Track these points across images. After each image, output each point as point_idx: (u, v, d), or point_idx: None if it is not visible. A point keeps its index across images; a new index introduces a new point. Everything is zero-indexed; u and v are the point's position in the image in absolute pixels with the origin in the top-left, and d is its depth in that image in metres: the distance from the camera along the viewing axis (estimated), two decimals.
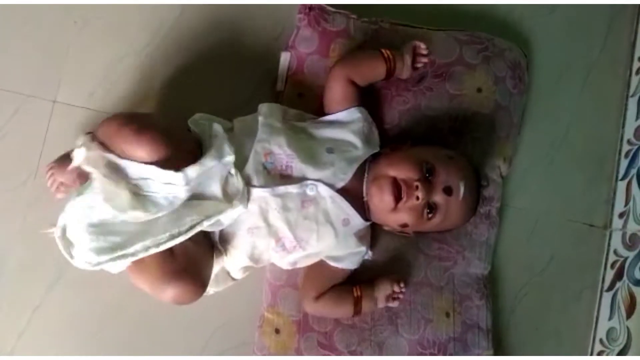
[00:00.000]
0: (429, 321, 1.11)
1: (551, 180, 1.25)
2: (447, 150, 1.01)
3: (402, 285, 1.05)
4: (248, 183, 0.92)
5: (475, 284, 1.15)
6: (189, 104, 1.04)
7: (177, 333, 1.10)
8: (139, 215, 0.85)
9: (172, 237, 0.86)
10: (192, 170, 0.87)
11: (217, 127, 0.95)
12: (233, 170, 0.91)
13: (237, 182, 0.91)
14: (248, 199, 0.91)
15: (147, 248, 0.85)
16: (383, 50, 1.03)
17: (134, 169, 0.86)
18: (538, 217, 1.24)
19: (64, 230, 0.87)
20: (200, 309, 1.06)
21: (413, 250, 1.12)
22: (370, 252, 1.04)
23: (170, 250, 0.87)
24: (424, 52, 1.04)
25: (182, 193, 0.87)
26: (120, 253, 0.84)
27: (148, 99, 1.10)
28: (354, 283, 1.05)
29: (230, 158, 0.91)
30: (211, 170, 0.90)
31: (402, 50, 1.04)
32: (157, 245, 0.85)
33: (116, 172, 0.86)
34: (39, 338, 1.06)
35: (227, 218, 0.91)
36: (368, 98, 1.08)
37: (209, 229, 0.91)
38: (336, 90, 1.02)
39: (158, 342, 1.10)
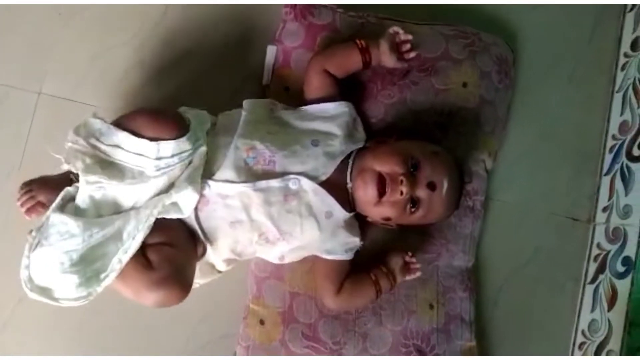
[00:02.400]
0: (412, 312, 1.12)
1: (536, 174, 1.26)
2: (433, 146, 1.02)
3: (410, 254, 1.07)
4: (211, 176, 0.93)
5: (459, 276, 1.16)
6: (175, 97, 1.05)
7: (161, 323, 1.11)
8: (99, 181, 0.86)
9: (131, 236, 0.86)
10: (165, 145, 0.87)
11: (203, 115, 0.95)
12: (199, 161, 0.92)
13: (196, 172, 0.92)
14: (203, 188, 0.92)
15: (119, 260, 0.86)
16: (357, 40, 1.03)
17: (115, 138, 0.87)
18: (522, 211, 1.25)
19: (31, 282, 0.86)
20: (185, 301, 1.07)
21: (397, 242, 1.12)
22: (360, 242, 1.04)
23: (148, 260, 0.88)
24: (403, 37, 1.04)
25: (150, 168, 0.87)
26: (104, 274, 0.85)
27: (134, 91, 1.11)
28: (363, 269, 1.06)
29: (203, 149, 0.92)
30: (183, 155, 0.90)
31: (379, 39, 1.04)
32: (125, 251, 0.86)
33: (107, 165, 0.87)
34: (23, 330, 1.07)
35: (181, 202, 0.90)
36: (354, 91, 1.08)
37: (169, 216, 0.90)
38: (313, 80, 1.03)
39: (142, 333, 1.11)
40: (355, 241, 1.03)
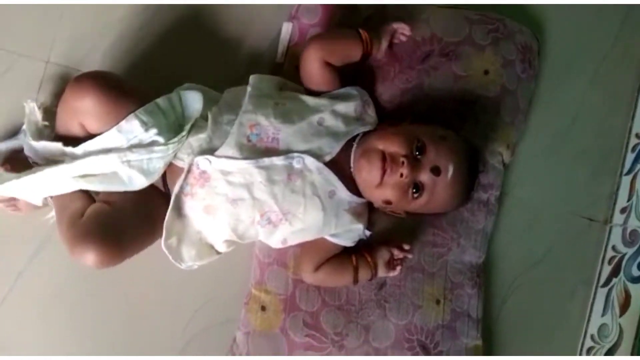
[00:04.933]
0: (418, 307, 1.08)
1: (554, 171, 1.22)
2: (444, 130, 0.97)
3: (406, 247, 1.04)
4: (213, 151, 0.91)
5: (468, 272, 1.12)
6: (184, 72, 1.01)
7: (161, 307, 1.08)
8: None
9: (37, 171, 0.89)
10: (88, 145, 0.88)
11: (161, 101, 0.92)
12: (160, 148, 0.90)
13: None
14: (204, 163, 0.91)
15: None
16: (361, 32, 0.99)
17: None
18: (538, 208, 1.21)
19: None
20: (187, 284, 1.06)
21: (407, 234, 1.09)
22: (367, 232, 1.01)
23: (81, 212, 0.89)
24: (407, 34, 1.03)
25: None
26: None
27: (143, 64, 1.06)
28: (355, 250, 1.03)
29: (146, 135, 0.89)
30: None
31: (380, 33, 1.02)
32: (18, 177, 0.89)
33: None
34: (22, 305, 1.04)
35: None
36: (368, 73, 1.05)
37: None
38: (313, 73, 0.99)
39: (141, 314, 1.07)
40: (359, 228, 0.99)
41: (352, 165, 0.96)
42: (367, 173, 0.93)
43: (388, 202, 0.95)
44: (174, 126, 0.91)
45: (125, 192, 0.90)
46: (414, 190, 0.92)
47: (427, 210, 0.99)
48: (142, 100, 0.90)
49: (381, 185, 0.92)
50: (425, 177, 0.92)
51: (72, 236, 0.87)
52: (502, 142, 1.12)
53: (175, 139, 0.90)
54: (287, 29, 1.07)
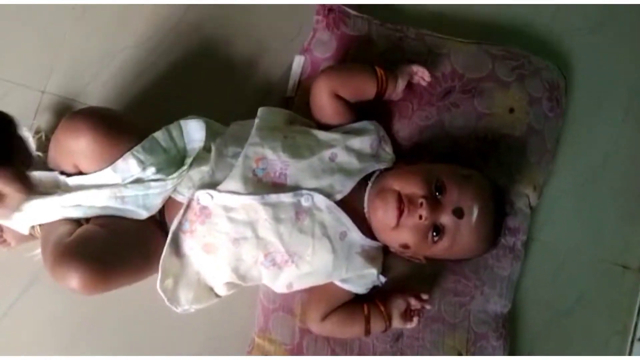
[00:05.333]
0: None
1: (584, 214, 1.15)
2: (468, 169, 0.91)
3: (424, 296, 0.96)
4: (215, 186, 0.86)
5: (493, 323, 1.04)
6: (189, 107, 0.95)
7: (157, 350, 1.01)
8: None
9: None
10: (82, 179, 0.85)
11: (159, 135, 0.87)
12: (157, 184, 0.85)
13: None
14: (205, 198, 0.85)
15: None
16: (377, 69, 0.94)
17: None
18: (566, 254, 1.14)
19: None
20: (186, 327, 1.00)
21: (426, 281, 1.02)
22: (382, 277, 0.94)
23: (69, 233, 0.82)
24: (427, 79, 0.97)
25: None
26: None
27: (146, 97, 1.02)
28: (368, 299, 0.96)
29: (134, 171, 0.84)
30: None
31: (397, 73, 0.96)
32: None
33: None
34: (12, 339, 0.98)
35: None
36: (385, 109, 0.99)
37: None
38: (323, 104, 0.94)
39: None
40: (373, 273, 0.92)
41: (365, 205, 0.90)
42: (382, 214, 0.87)
43: (406, 246, 0.89)
44: (175, 160, 0.87)
45: (120, 217, 0.85)
46: (434, 234, 0.85)
47: (449, 256, 0.92)
48: (142, 136, 0.85)
49: (398, 228, 0.86)
50: (446, 219, 0.85)
51: (55, 255, 0.79)
52: (528, 183, 1.06)
53: (175, 174, 0.85)
54: (298, 62, 1.03)
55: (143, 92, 1.02)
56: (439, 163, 0.93)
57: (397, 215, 0.85)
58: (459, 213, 0.85)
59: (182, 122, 0.89)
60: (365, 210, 0.90)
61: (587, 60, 1.16)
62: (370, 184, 0.91)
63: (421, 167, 0.91)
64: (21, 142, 0.83)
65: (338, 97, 0.93)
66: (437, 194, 0.85)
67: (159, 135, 0.86)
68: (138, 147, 0.83)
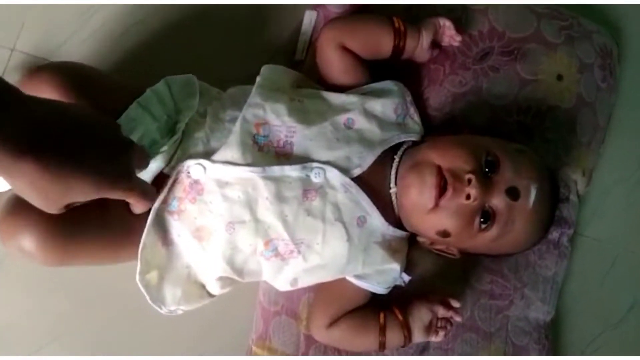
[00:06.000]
0: None
1: (637, 207, 1.00)
2: (517, 144, 0.76)
3: (455, 304, 0.78)
4: (209, 155, 0.70)
5: (535, 333, 0.89)
6: (182, 71, 0.79)
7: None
8: None
9: None
10: None
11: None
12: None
13: None
14: (197, 171, 0.69)
15: None
16: (395, 19, 0.78)
17: None
18: (617, 253, 0.99)
19: None
20: (176, 335, 0.84)
21: (458, 281, 0.86)
22: (406, 276, 0.77)
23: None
24: (457, 39, 0.81)
25: None
26: None
27: (133, 59, 0.86)
28: (384, 306, 0.79)
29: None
30: None
31: (420, 27, 0.80)
32: None
33: None
34: None
35: None
36: (411, 74, 0.83)
37: None
38: (329, 60, 0.79)
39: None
40: (395, 269, 0.76)
41: (392, 184, 0.74)
42: (417, 193, 0.70)
43: (445, 234, 0.72)
44: (166, 128, 0.70)
45: None
46: (482, 219, 0.69)
47: (491, 250, 0.75)
48: (128, 101, 0.69)
49: (436, 211, 0.70)
50: (498, 201, 0.70)
51: (5, 209, 0.64)
52: (576, 166, 0.91)
53: (166, 145, 0.69)
54: (310, 18, 0.86)
55: (129, 53, 0.86)
56: (482, 135, 0.77)
57: (436, 195, 0.69)
58: (514, 194, 0.69)
59: (170, 79, 0.73)
60: (392, 189, 0.74)
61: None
62: (397, 158, 0.75)
63: (465, 137, 0.76)
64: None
65: (347, 51, 0.77)
66: (487, 170, 0.70)
67: (144, 100, 0.70)
68: (122, 118, 0.67)
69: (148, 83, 0.74)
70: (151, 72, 0.78)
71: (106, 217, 0.68)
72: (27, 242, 0.63)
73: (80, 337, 0.83)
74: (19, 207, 0.63)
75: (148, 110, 0.70)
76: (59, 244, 0.64)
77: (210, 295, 0.76)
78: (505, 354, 0.86)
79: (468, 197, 0.68)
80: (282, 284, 0.75)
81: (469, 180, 0.68)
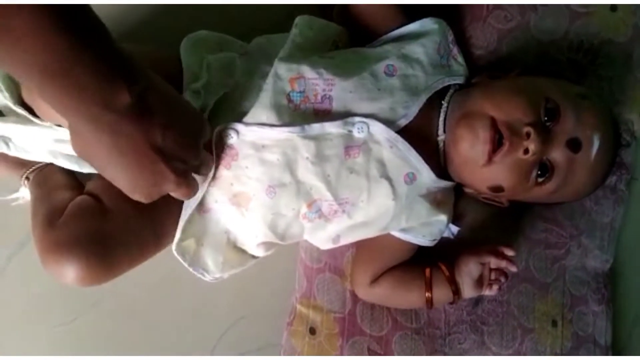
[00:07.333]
0: (528, 331, 0.81)
1: None
2: (579, 87, 0.70)
3: (509, 252, 0.74)
4: (240, 117, 0.65)
5: (593, 283, 0.85)
6: (197, 23, 0.74)
7: (183, 326, 0.83)
8: None
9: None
10: None
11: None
12: None
13: None
14: (228, 135, 0.65)
15: None
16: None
17: None
18: None
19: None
20: (213, 297, 0.81)
21: (509, 230, 0.81)
22: (454, 227, 0.73)
23: (63, 206, 0.64)
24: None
25: None
26: None
27: (156, 12, 0.81)
28: (432, 262, 0.76)
29: None
30: None
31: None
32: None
33: None
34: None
35: None
36: (451, 10, 0.78)
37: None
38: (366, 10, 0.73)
39: (157, 338, 0.83)
40: (442, 221, 0.72)
41: (439, 131, 0.69)
42: (469, 148, 0.66)
43: (498, 189, 0.68)
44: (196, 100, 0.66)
45: None
46: (540, 173, 0.65)
47: (551, 200, 0.71)
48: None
49: (490, 165, 0.65)
50: (557, 153, 0.65)
51: (48, 242, 0.62)
52: (633, 106, 0.85)
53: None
54: None
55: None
56: (537, 77, 0.71)
57: (489, 150, 0.64)
58: (575, 145, 0.65)
59: (211, 60, 0.68)
60: (440, 137, 0.69)
61: None
62: (445, 104, 0.70)
63: (521, 82, 0.70)
64: None
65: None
66: (547, 120, 0.65)
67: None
68: None
69: (158, 37, 0.72)
70: (174, 26, 0.75)
71: (142, 215, 0.65)
72: (72, 281, 0.61)
73: (118, 304, 0.82)
74: (60, 245, 0.61)
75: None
76: (104, 273, 0.62)
77: (254, 257, 0.73)
78: (563, 307, 0.83)
79: (526, 151, 0.63)
80: (324, 242, 0.72)
81: (528, 134, 0.63)
